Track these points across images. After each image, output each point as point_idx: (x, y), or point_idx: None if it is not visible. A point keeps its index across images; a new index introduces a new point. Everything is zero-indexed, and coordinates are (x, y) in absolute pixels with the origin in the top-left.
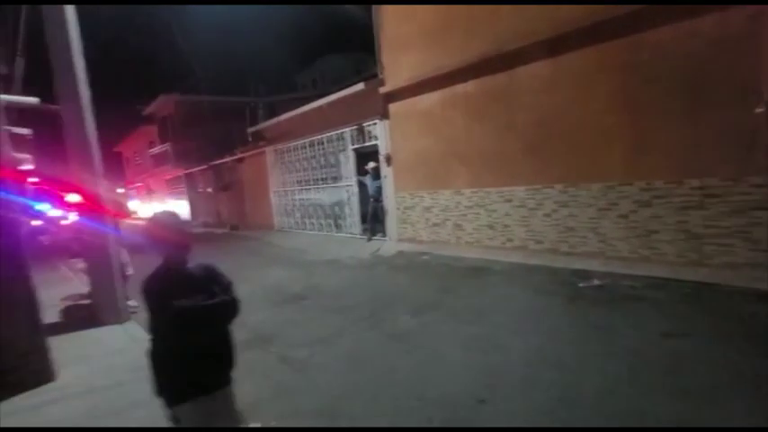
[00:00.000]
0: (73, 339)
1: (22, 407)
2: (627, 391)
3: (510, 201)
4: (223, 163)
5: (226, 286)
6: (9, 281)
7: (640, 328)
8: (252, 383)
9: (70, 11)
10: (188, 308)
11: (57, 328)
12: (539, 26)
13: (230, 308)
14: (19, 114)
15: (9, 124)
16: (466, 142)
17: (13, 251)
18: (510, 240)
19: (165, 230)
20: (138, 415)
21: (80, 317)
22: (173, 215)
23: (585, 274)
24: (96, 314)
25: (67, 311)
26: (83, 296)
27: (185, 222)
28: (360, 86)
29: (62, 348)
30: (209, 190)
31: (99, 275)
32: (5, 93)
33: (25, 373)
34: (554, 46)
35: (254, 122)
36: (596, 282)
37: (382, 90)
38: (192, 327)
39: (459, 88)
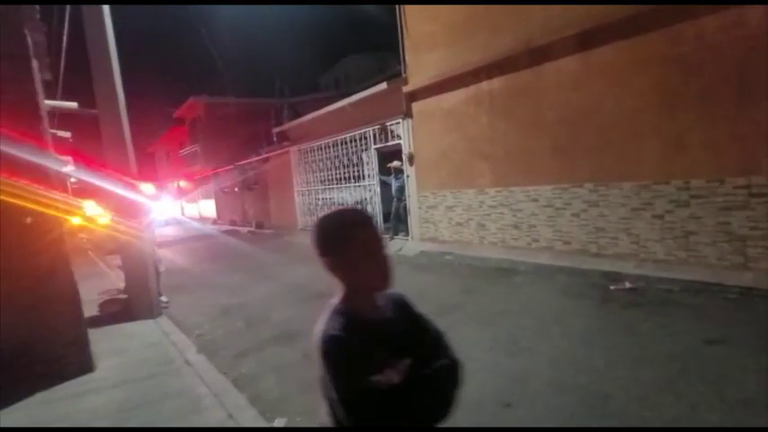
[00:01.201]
0: (109, 332)
1: (66, 395)
2: (664, 400)
3: (536, 200)
4: (248, 163)
5: (435, 337)
6: (53, 275)
7: (679, 334)
8: (278, 379)
9: (107, 15)
10: (411, 389)
11: (94, 322)
12: (568, 20)
13: (453, 377)
14: (60, 118)
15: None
16: (490, 141)
17: (56, 247)
18: (536, 241)
19: (356, 252)
20: (169, 406)
21: (115, 311)
22: (358, 217)
23: (617, 277)
24: (131, 309)
25: (104, 305)
26: (119, 291)
27: (377, 226)
28: (382, 86)
29: (99, 341)
30: (236, 189)
31: (134, 272)
32: (48, 98)
33: (68, 364)
34: (585, 40)
35: (279, 123)
36: (628, 284)
37: (405, 89)
38: (404, 413)
39: (485, 86)
